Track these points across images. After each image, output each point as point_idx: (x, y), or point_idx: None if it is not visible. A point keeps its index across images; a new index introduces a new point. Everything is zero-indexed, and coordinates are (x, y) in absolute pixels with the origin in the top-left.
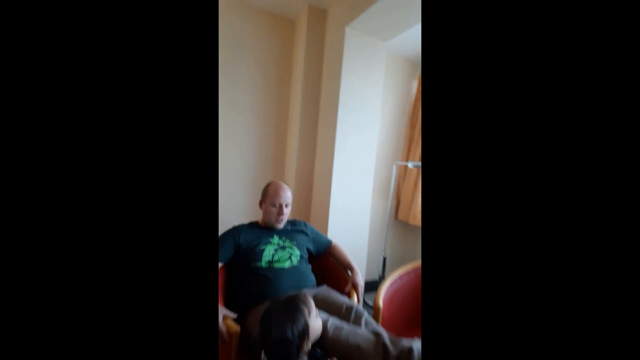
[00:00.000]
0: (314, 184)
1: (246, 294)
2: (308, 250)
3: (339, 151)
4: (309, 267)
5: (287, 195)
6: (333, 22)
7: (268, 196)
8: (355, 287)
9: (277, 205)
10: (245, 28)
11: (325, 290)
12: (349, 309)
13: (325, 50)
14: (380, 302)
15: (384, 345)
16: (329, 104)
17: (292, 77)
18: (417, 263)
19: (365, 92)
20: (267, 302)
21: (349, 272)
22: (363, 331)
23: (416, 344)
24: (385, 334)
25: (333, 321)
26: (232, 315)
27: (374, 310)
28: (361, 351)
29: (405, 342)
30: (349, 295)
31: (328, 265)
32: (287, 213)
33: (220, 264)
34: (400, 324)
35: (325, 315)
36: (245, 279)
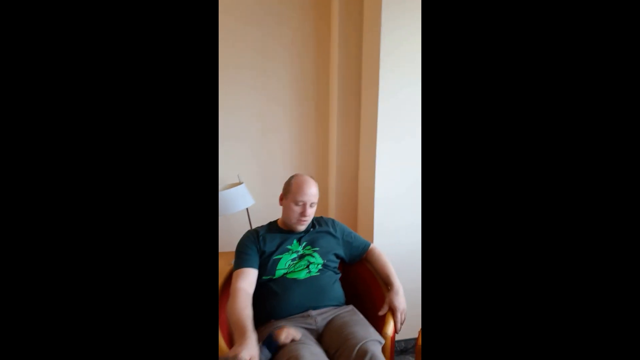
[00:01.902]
0: (360, 170)
1: (255, 311)
2: (337, 256)
3: (383, 120)
4: (335, 277)
5: (313, 193)
6: None
7: (290, 192)
8: (392, 311)
9: (301, 204)
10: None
11: (348, 315)
12: (362, 354)
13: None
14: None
15: None
16: (369, 65)
17: (330, 41)
18: None
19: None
20: (274, 321)
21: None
22: None
23: None
24: None
25: None
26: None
27: (415, 353)
28: None
29: None
30: (384, 321)
31: (364, 275)
32: (311, 214)
33: (257, 271)
34: None
35: None
36: (256, 294)
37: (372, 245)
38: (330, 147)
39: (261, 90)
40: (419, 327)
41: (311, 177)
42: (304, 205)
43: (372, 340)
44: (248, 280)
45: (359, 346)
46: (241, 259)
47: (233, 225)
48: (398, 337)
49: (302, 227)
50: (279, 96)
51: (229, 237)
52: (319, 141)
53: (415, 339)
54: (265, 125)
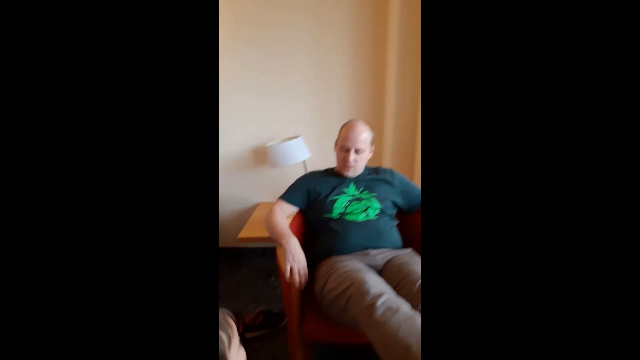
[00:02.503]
0: (420, 120)
1: (316, 246)
2: (395, 204)
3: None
4: (393, 223)
5: (360, 138)
6: None
7: (339, 138)
8: None
9: (345, 149)
10: None
11: (407, 256)
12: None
13: None
14: None
15: None
16: None
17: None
18: None
19: None
20: (335, 256)
21: None
22: None
23: None
24: None
25: (388, 299)
26: (303, 273)
27: None
28: (407, 355)
29: None
30: None
31: (420, 223)
32: (357, 160)
33: (296, 209)
34: None
35: (384, 288)
36: (314, 231)
37: None
38: (387, 96)
39: (316, 42)
40: None
41: (365, 122)
42: (348, 151)
43: None
44: (282, 208)
45: (419, 282)
46: (286, 192)
47: (289, 178)
48: None
49: (348, 173)
50: (334, 46)
51: (285, 189)
52: (375, 91)
53: None
54: (321, 78)
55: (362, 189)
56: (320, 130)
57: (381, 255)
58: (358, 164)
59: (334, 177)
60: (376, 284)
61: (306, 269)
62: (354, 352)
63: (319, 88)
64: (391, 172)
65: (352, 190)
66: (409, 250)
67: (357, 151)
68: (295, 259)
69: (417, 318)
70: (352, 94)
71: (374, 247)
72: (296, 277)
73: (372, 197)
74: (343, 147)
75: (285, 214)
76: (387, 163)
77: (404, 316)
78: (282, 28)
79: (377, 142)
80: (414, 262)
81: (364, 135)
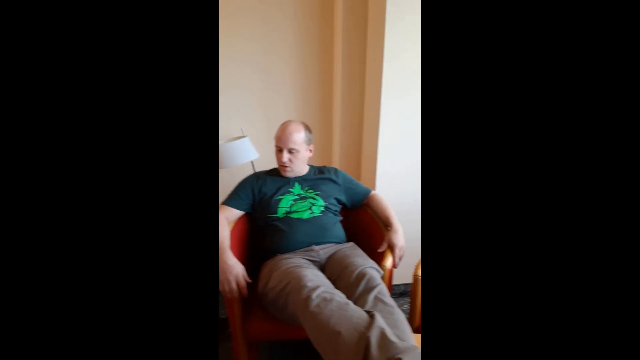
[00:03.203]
0: (364, 122)
1: (261, 246)
2: (339, 201)
3: (388, 72)
4: (336, 219)
5: (292, 138)
6: None
7: (275, 138)
8: (391, 247)
9: (279, 149)
10: None
11: (349, 249)
12: (361, 276)
13: None
14: (421, 272)
15: (368, 346)
16: (374, 12)
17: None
18: None
19: None
20: (279, 255)
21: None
22: (358, 312)
23: (410, 359)
24: (384, 327)
25: (324, 291)
26: (244, 280)
27: (412, 281)
28: (337, 342)
29: (401, 345)
30: (383, 257)
31: (365, 219)
32: (292, 160)
33: (241, 213)
34: None
35: (321, 281)
36: (261, 231)
37: (373, 192)
38: (334, 98)
39: (263, 42)
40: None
41: (301, 122)
42: (282, 151)
43: (371, 267)
44: (226, 215)
45: (358, 270)
46: (231, 197)
47: (237, 178)
48: (398, 281)
49: (286, 173)
50: (281, 48)
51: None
52: (323, 93)
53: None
54: (268, 78)
55: (307, 188)
56: (269, 131)
57: (324, 250)
58: (294, 164)
59: (279, 177)
60: (313, 277)
61: (244, 276)
62: (303, 348)
63: (266, 88)
64: (335, 170)
65: (297, 189)
66: (350, 244)
67: (290, 151)
68: (230, 271)
69: (351, 306)
70: (300, 95)
71: (318, 243)
72: (234, 288)
73: (316, 195)
74: (277, 147)
75: (230, 220)
76: (336, 162)
77: (337, 305)
78: (228, 29)
79: (326, 142)
80: (354, 254)
81: (296, 135)
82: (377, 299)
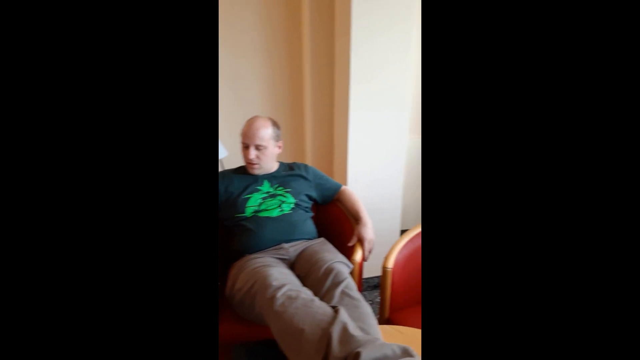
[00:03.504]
0: (335, 116)
1: (229, 247)
2: (310, 197)
3: (355, 67)
4: (307, 215)
5: (258, 134)
6: None
7: (241, 134)
8: (360, 241)
9: (245, 146)
10: None
11: (319, 245)
12: (328, 271)
13: None
14: (391, 263)
15: (329, 342)
16: (340, 15)
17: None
18: None
19: None
20: (247, 255)
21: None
22: (323, 308)
23: (369, 351)
24: (346, 322)
25: (289, 289)
26: None
27: (382, 273)
28: (300, 339)
29: (362, 339)
30: (353, 251)
31: (336, 214)
32: (260, 157)
33: None
34: (419, 294)
35: (287, 279)
36: (229, 232)
37: (343, 187)
38: (304, 94)
39: (228, 40)
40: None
41: (268, 118)
42: (248, 148)
43: (339, 262)
44: None
45: (325, 266)
46: None
47: None
48: (371, 274)
49: (254, 171)
50: (247, 45)
51: None
52: (292, 89)
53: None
54: (235, 75)
55: (276, 185)
56: (238, 129)
57: (294, 248)
58: (262, 161)
59: (247, 175)
60: (279, 276)
61: None
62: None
63: (232, 85)
64: (305, 167)
65: (266, 187)
66: (320, 240)
67: (258, 147)
68: None
69: (316, 302)
70: (269, 92)
71: (288, 241)
72: None
73: (286, 192)
74: (243, 144)
75: None
76: (308, 159)
77: (302, 302)
78: None
79: (298, 138)
80: (323, 250)
81: (263, 131)
82: (344, 293)
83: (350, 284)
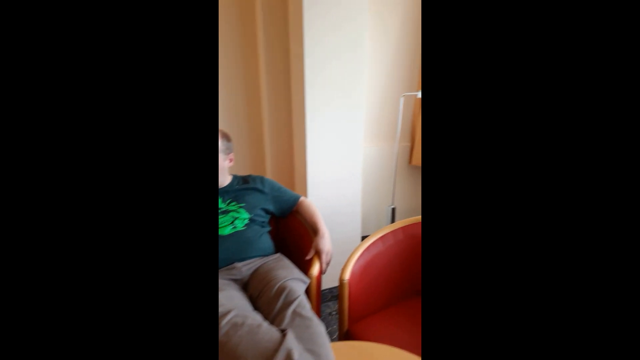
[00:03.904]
0: (294, 125)
1: None
2: (267, 211)
3: (310, 84)
4: (263, 231)
5: None
6: None
7: None
8: (318, 253)
9: None
10: None
11: (274, 261)
12: (280, 290)
13: None
14: (347, 275)
15: None
16: (294, 25)
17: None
18: (412, 219)
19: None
20: None
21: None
22: (269, 334)
23: None
24: (291, 348)
25: (235, 315)
26: None
27: (339, 285)
28: None
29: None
30: (310, 264)
31: (296, 227)
32: None
33: None
34: (378, 301)
35: (234, 304)
36: None
37: (301, 198)
38: (262, 105)
39: None
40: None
41: (220, 130)
42: None
43: (293, 279)
44: None
45: (278, 284)
46: None
47: None
48: (332, 285)
49: None
50: None
51: None
52: (249, 101)
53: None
54: None
55: (229, 200)
56: None
57: (247, 267)
58: None
59: None
60: (226, 301)
61: None
62: None
63: None
64: (262, 179)
65: (219, 203)
66: (276, 256)
67: None
68: None
69: (263, 328)
70: (225, 105)
71: (242, 259)
72: None
73: (240, 207)
74: None
75: None
76: (268, 171)
77: (248, 329)
78: None
79: (257, 151)
80: (279, 266)
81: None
82: (295, 313)
83: (302, 302)
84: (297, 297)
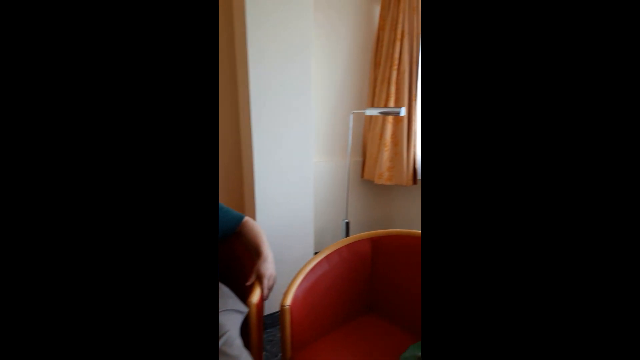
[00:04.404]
0: (242, 146)
1: None
2: None
3: (255, 102)
4: None
5: None
6: None
7: None
8: (259, 278)
9: None
10: None
11: None
12: None
13: None
14: (289, 300)
15: None
16: (238, 40)
17: None
18: (356, 236)
19: (286, 22)
20: None
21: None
22: None
23: None
24: None
25: None
26: None
27: (279, 312)
28: None
29: None
30: (251, 290)
31: (239, 250)
32: None
33: None
34: (325, 323)
35: None
36: None
37: (245, 218)
38: None
39: None
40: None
41: None
42: None
43: (226, 311)
44: None
45: None
46: None
47: None
48: (275, 310)
49: None
50: None
51: None
52: None
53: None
54: None
55: None
56: None
57: None
58: None
59: None
60: None
61: None
62: None
63: None
64: None
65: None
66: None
67: None
68: None
69: None
70: None
71: None
72: None
73: None
74: None
75: None
76: (220, 196)
77: None
78: None
79: None
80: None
81: None
82: (221, 352)
83: (230, 339)
84: (224, 333)
